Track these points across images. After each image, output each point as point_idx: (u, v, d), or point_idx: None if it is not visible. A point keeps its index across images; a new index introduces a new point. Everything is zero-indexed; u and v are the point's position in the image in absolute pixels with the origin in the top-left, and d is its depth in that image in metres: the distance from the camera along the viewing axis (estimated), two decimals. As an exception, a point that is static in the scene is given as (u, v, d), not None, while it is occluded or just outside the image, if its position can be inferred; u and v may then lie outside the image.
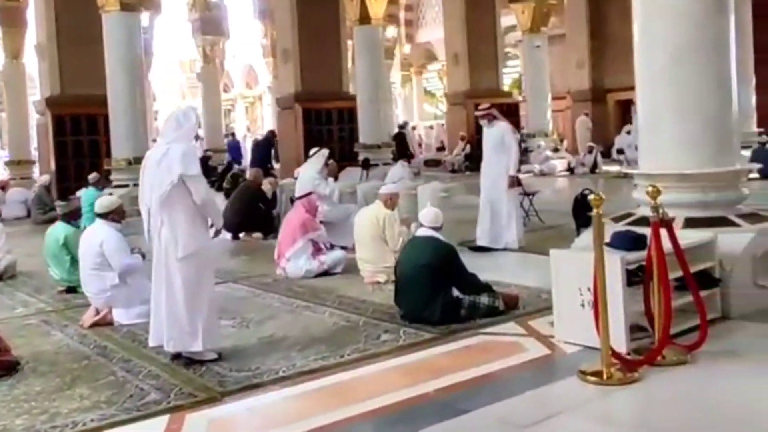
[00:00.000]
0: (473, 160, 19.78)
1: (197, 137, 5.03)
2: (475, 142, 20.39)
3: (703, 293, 4.84)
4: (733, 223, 5.35)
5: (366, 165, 15.28)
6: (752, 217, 5.49)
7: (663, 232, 4.37)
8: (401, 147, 18.50)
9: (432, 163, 20.45)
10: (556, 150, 18.43)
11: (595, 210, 4.13)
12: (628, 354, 4.30)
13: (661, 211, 4.37)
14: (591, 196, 4.18)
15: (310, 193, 7.57)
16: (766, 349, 4.46)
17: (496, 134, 7.69)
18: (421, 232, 5.62)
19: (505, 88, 23.77)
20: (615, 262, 4.38)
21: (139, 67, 13.28)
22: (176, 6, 26.50)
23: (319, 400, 4.10)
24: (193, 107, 5.16)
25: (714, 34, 5.50)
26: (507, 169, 7.56)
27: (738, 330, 4.80)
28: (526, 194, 9.61)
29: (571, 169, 17.26)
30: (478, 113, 8.28)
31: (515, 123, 20.31)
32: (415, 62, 33.10)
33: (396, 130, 21.03)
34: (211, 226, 4.80)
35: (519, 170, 8.15)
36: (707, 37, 5.47)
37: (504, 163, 7.55)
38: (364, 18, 16.52)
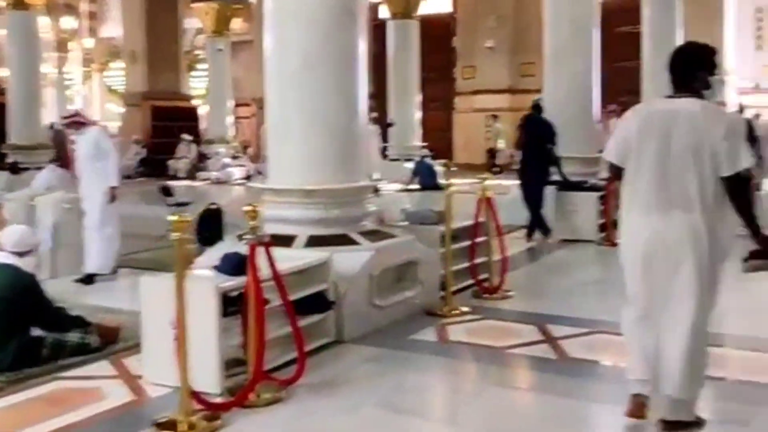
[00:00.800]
0: (148, 165, 18.59)
1: None
2: (152, 145, 19.24)
3: (315, 317, 4.56)
4: (353, 242, 5.17)
5: (14, 169, 13.53)
6: (373, 235, 5.35)
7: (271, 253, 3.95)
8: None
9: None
10: (235, 157, 17.94)
11: (175, 233, 3.55)
12: (221, 395, 3.81)
13: (258, 232, 3.94)
14: (178, 214, 3.59)
15: None
16: (370, 375, 4.26)
17: (90, 140, 6.78)
18: (-1, 258, 4.57)
19: (200, 93, 22.76)
20: (207, 290, 3.87)
21: None
22: None
23: None
24: None
25: (342, 45, 5.33)
26: (107, 178, 6.65)
27: (347, 355, 4.56)
28: (178, 204, 8.93)
29: (249, 177, 16.90)
30: (63, 122, 7.57)
31: (194, 128, 19.63)
32: (97, 58, 30.60)
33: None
34: None
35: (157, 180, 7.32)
36: (335, 47, 5.29)
37: (104, 172, 6.67)
38: (19, 3, 14.80)
